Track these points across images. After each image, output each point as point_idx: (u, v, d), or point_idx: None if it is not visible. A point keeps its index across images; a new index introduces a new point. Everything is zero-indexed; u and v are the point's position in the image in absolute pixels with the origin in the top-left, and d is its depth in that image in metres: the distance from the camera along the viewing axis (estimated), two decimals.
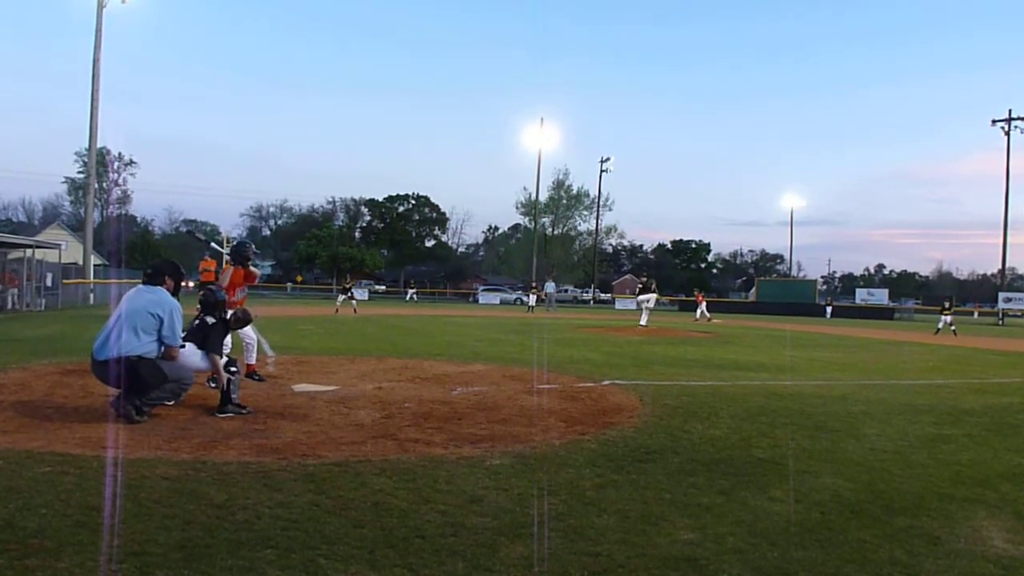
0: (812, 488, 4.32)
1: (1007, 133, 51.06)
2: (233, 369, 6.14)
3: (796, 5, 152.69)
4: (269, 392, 7.12)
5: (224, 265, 8.14)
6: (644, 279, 26.59)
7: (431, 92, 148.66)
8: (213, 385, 6.70)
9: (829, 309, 51.07)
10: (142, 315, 5.62)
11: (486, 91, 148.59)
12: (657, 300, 23.29)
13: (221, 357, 6.19)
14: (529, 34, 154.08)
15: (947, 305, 27.83)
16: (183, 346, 6.06)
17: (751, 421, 6.46)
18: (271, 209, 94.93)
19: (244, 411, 5.93)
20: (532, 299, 41.59)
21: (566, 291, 72.43)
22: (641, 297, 23.78)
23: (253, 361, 8.07)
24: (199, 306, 6.48)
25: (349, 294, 29.31)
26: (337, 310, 27.55)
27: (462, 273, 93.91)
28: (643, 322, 22.26)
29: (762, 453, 5.20)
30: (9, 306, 22.58)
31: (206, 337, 6.21)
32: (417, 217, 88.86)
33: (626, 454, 4.98)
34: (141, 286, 5.93)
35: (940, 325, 27.45)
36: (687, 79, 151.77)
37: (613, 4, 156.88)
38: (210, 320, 6.34)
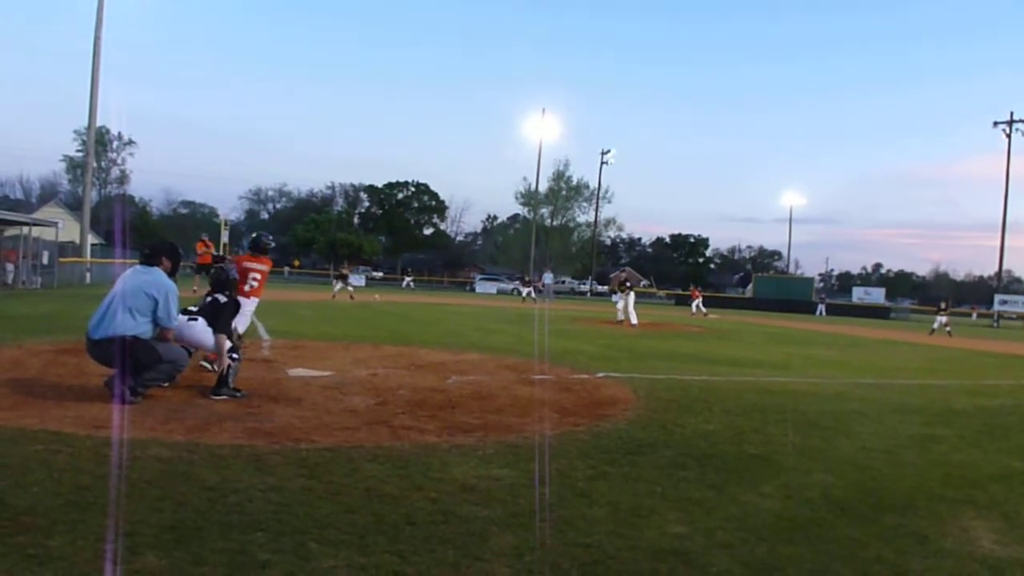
0: (803, 485, 4.34)
1: (1008, 135, 51.14)
2: (235, 356, 6.16)
3: (800, 6, 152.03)
4: (264, 376, 7.12)
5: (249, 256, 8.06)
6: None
7: (433, 80, 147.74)
8: (209, 368, 6.70)
9: (822, 307, 50.62)
10: (138, 296, 5.61)
11: (488, 80, 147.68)
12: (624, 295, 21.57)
13: (228, 338, 6.22)
14: (533, 26, 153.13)
15: (943, 306, 28.15)
16: (195, 319, 6.15)
17: (744, 417, 6.48)
18: (270, 193, 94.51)
19: (238, 395, 5.94)
20: (525, 290, 41.26)
21: (563, 282, 72.47)
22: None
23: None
24: (210, 285, 6.56)
25: (347, 281, 29.27)
26: (334, 296, 27.52)
27: (460, 262, 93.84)
28: (620, 317, 21.71)
29: (754, 449, 5.22)
30: (9, 281, 22.55)
31: (216, 315, 6.23)
32: (416, 205, 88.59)
33: (618, 446, 5.00)
34: (138, 266, 5.93)
35: (935, 326, 27.64)
36: (690, 75, 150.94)
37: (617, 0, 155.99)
38: (222, 299, 6.38)
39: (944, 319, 27.56)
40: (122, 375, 5.43)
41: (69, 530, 2.89)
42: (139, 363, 5.50)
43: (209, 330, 6.15)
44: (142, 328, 5.61)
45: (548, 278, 46.21)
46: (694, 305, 33.22)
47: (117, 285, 5.76)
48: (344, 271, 30.86)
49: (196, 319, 6.19)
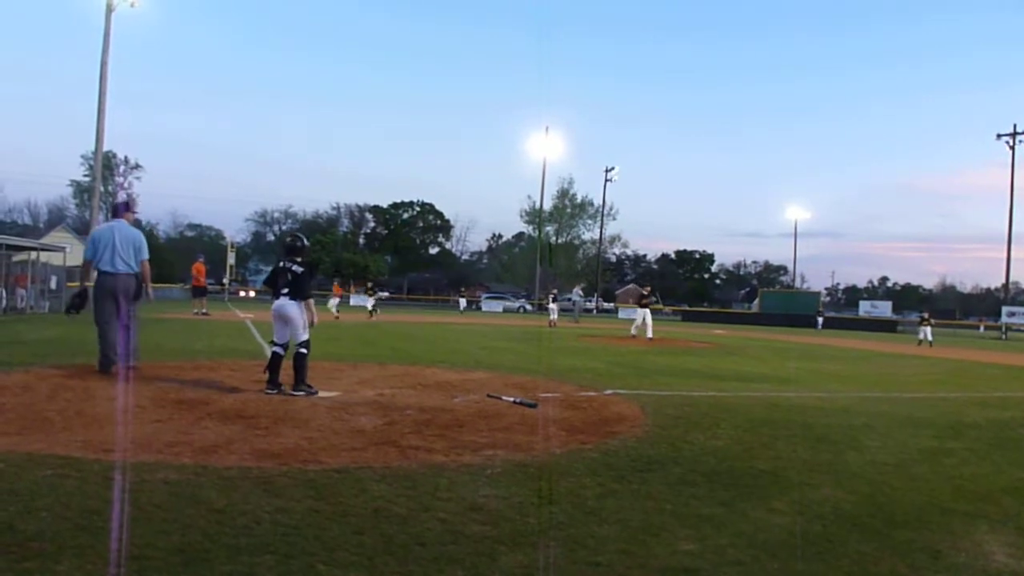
0: (813, 500, 4.31)
1: (1012, 148, 51.14)
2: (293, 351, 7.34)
3: (802, 24, 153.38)
4: (270, 397, 7.12)
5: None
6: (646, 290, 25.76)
7: (437, 101, 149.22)
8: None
9: (820, 320, 50.41)
10: (129, 247, 8.37)
11: (492, 100, 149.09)
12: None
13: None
14: (536, 47, 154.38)
15: (926, 316, 30.73)
16: (294, 299, 7.37)
17: (752, 432, 6.45)
18: (275, 214, 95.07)
19: (312, 391, 7.27)
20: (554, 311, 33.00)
21: (569, 299, 72.40)
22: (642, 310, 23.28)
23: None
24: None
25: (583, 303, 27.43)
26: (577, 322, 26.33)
27: (465, 281, 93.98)
28: (633, 332, 22.11)
29: (763, 464, 5.19)
30: (19, 305, 22.68)
31: (296, 286, 7.40)
32: (421, 224, 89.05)
33: (627, 464, 4.97)
34: (118, 222, 8.59)
35: (930, 338, 28.51)
36: (693, 93, 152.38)
37: (621, 20, 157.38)
38: (298, 269, 7.40)
39: (928, 329, 28.90)
40: (124, 341, 8.00)
41: (77, 555, 2.88)
42: (137, 291, 8.41)
43: (302, 318, 7.32)
44: (138, 268, 8.47)
45: (577, 294, 44.85)
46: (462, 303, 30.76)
47: (113, 237, 8.29)
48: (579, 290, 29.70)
49: (294, 299, 7.30)
